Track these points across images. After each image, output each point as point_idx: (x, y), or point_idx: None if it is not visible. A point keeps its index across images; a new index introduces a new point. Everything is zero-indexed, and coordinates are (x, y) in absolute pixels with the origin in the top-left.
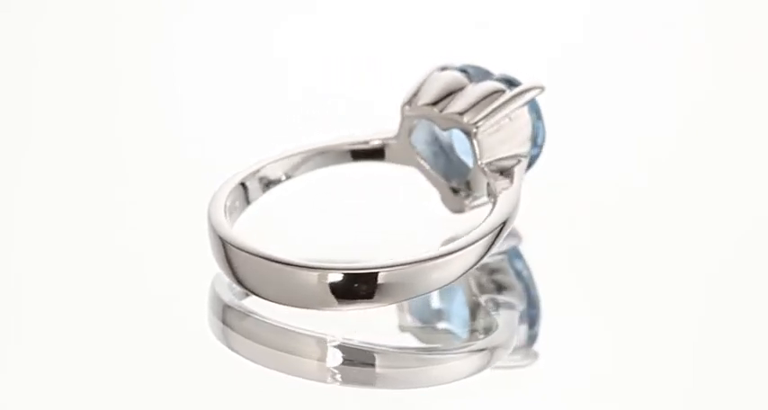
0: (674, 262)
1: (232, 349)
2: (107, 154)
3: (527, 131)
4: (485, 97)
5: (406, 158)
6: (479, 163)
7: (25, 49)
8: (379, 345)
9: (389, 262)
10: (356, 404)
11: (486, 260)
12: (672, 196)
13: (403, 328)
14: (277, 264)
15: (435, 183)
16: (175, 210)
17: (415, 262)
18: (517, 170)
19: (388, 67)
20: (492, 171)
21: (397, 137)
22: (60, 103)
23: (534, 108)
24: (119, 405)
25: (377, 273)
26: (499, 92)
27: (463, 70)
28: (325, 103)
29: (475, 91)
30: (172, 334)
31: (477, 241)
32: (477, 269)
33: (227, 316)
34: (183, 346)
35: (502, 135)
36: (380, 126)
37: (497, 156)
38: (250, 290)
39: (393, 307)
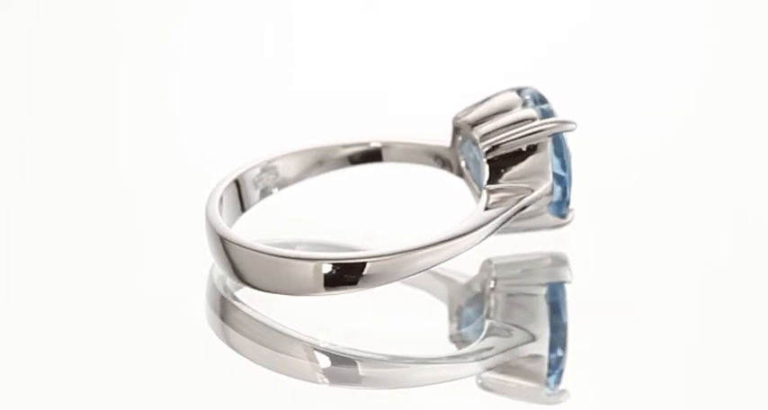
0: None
1: (228, 343)
2: (106, 153)
3: (544, 168)
4: (512, 123)
5: (453, 165)
6: (484, 184)
7: (24, 49)
8: (363, 351)
9: (375, 253)
10: (343, 403)
11: (525, 290)
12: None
13: (452, 338)
14: (273, 257)
15: (473, 194)
16: (169, 208)
17: (396, 253)
18: (513, 200)
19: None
20: (495, 194)
21: (449, 144)
22: (63, 102)
23: (561, 164)
24: (115, 396)
25: (364, 263)
26: (529, 120)
27: (524, 95)
28: (331, 102)
29: (508, 116)
30: (168, 327)
31: (445, 240)
32: (507, 294)
33: (223, 311)
34: (178, 339)
35: (517, 163)
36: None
37: (506, 183)
38: (246, 282)
39: (444, 320)
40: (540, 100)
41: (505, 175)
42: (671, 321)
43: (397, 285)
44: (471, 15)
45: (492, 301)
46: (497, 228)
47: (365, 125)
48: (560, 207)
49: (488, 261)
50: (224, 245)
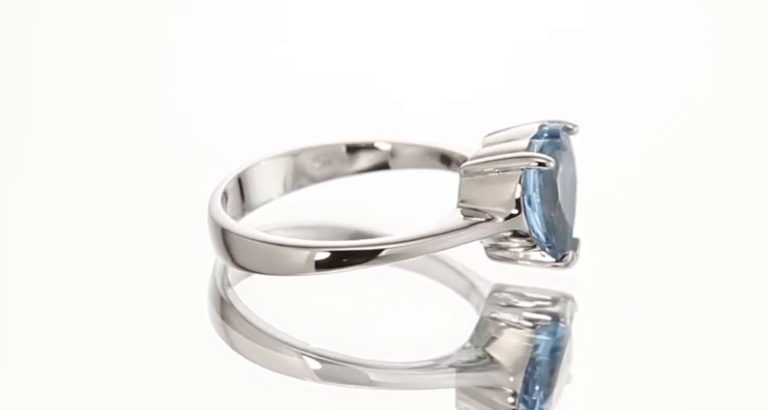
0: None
1: (228, 342)
2: (110, 153)
3: (507, 195)
4: (499, 152)
5: None
6: (458, 203)
7: (24, 49)
8: (352, 357)
9: (364, 242)
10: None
11: (516, 323)
12: None
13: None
14: (272, 245)
15: None
16: (171, 208)
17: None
18: (470, 221)
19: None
20: (465, 213)
21: None
22: (64, 102)
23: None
24: (117, 393)
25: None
26: (511, 151)
27: (541, 128)
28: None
29: (503, 145)
30: (168, 326)
31: (408, 240)
32: (498, 326)
33: (224, 309)
34: (178, 337)
35: (485, 188)
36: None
37: (475, 205)
38: (245, 269)
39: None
40: (548, 135)
41: (473, 197)
42: (674, 378)
43: (407, 285)
44: (478, 16)
45: (482, 326)
46: (460, 242)
47: (367, 125)
48: (550, 246)
49: (497, 286)
50: (224, 236)
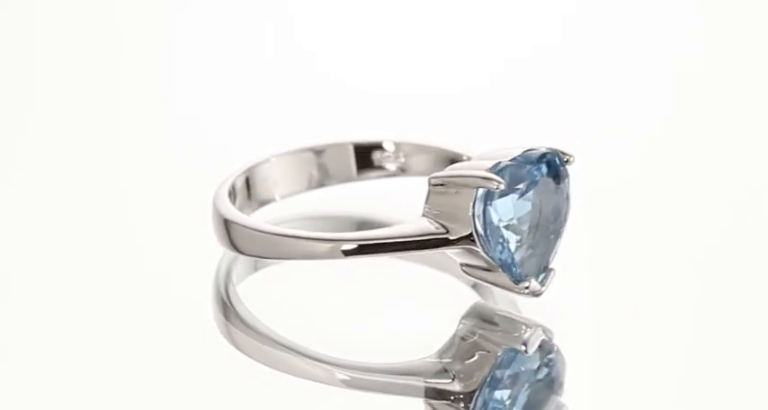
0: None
1: (231, 341)
2: (111, 154)
3: (463, 213)
4: (466, 168)
5: None
6: (423, 211)
7: (27, 49)
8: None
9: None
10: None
11: (484, 345)
12: None
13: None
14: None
15: None
16: (172, 207)
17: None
18: (432, 231)
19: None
20: (428, 220)
21: None
22: (67, 102)
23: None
24: (120, 391)
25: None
26: (476, 169)
27: (526, 151)
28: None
29: (476, 163)
30: (171, 325)
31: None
32: (468, 345)
33: (227, 309)
34: (181, 336)
35: (444, 202)
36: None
37: (436, 217)
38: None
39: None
40: (523, 160)
41: (434, 207)
42: None
43: (411, 279)
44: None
45: (453, 342)
46: (421, 252)
47: (369, 125)
48: (510, 270)
49: (477, 304)
50: (227, 228)
